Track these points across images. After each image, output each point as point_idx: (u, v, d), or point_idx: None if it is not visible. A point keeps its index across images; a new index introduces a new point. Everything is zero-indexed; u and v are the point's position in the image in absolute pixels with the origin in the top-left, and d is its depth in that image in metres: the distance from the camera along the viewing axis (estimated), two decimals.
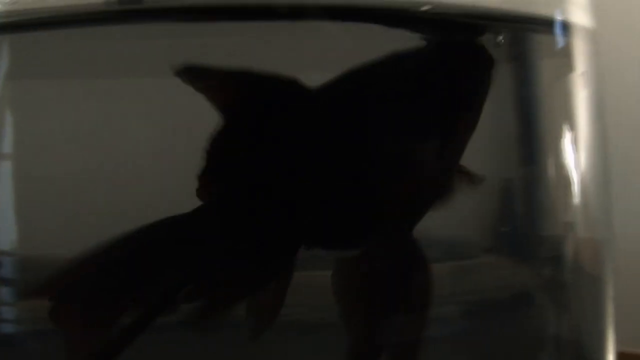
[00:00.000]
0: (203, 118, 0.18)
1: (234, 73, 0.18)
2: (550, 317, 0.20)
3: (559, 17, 0.20)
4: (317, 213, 0.18)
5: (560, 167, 0.20)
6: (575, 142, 0.20)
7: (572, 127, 0.20)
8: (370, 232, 0.18)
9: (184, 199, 0.17)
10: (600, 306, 0.21)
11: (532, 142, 0.20)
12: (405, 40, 0.19)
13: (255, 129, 0.18)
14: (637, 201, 0.89)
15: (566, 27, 0.20)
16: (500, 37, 0.20)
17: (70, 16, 0.18)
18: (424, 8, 0.19)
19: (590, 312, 0.21)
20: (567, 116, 0.20)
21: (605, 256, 0.22)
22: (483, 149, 0.19)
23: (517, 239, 0.19)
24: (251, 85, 0.18)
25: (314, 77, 0.17)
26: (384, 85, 0.18)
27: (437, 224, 0.18)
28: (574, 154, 0.20)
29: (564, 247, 0.20)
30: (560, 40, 0.20)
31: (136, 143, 0.19)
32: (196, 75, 0.17)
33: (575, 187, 0.20)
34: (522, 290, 0.20)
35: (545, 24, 0.20)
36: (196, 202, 0.17)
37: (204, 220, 0.18)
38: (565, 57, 0.20)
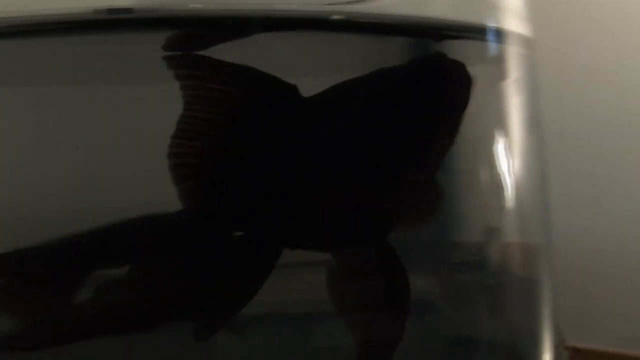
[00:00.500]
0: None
1: (236, 67, 0.18)
2: (479, 320, 0.20)
3: (491, 25, 0.21)
4: (301, 215, 0.18)
5: (489, 173, 0.20)
6: (507, 147, 0.21)
7: (504, 133, 0.21)
8: (350, 237, 0.19)
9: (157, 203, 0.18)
10: (536, 308, 0.22)
11: (460, 147, 0.20)
12: (346, 46, 0.19)
13: (246, 129, 0.18)
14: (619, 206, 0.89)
15: (499, 34, 0.21)
16: (501, 47, 0.21)
17: (58, 24, 0.19)
18: (360, 18, 0.19)
19: (524, 315, 0.22)
20: (498, 122, 0.21)
21: (541, 260, 0.22)
22: None
23: (434, 245, 0.20)
24: (251, 83, 0.18)
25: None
26: (369, 99, 0.19)
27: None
28: (506, 159, 0.20)
29: (487, 252, 0.20)
30: (493, 47, 0.21)
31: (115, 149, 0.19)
32: (201, 64, 0.17)
33: (505, 193, 0.20)
34: (444, 295, 0.20)
35: (478, 32, 0.21)
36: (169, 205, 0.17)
37: (188, 222, 0.18)
38: (498, 64, 0.21)
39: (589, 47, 0.94)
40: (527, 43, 0.22)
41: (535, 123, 0.22)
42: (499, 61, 0.21)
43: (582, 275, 0.97)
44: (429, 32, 0.20)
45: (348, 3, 0.20)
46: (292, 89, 0.18)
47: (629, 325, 0.94)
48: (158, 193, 0.18)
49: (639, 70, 0.90)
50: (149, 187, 0.18)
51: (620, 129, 0.93)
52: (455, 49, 0.21)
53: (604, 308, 0.93)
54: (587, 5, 0.92)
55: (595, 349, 0.97)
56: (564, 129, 0.97)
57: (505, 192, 0.20)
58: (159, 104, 0.19)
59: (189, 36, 0.18)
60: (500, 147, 0.20)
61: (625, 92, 0.93)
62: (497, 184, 0.20)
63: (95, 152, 0.19)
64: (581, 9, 0.93)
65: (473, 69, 0.21)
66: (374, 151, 0.19)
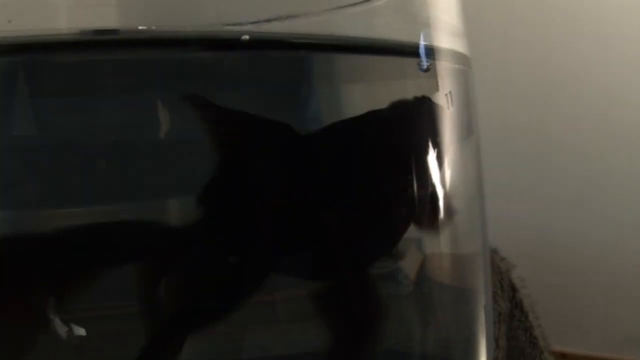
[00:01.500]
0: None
1: (233, 112, 0.19)
2: (408, 333, 0.21)
3: (423, 43, 0.21)
4: (289, 245, 0.20)
5: (420, 184, 0.21)
6: (438, 159, 0.21)
7: (435, 144, 0.21)
8: (336, 267, 0.20)
9: None
10: (470, 318, 0.22)
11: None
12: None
13: (243, 164, 0.19)
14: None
15: (432, 52, 0.22)
16: (427, 64, 0.21)
17: (45, 44, 0.19)
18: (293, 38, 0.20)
19: (458, 325, 0.22)
20: (430, 134, 0.21)
21: (475, 268, 0.23)
22: None
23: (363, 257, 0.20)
24: (247, 125, 0.19)
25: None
26: (359, 138, 0.21)
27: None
28: (437, 170, 0.21)
29: (407, 263, 0.20)
30: (425, 64, 0.21)
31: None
32: (200, 106, 0.19)
33: (435, 204, 0.21)
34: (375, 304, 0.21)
35: (411, 49, 0.21)
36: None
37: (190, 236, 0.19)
38: (431, 79, 0.22)
39: (576, 53, 0.95)
40: (462, 59, 0.23)
41: (469, 133, 0.23)
42: (432, 77, 0.22)
43: (568, 280, 0.97)
44: (361, 50, 0.21)
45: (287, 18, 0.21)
46: (287, 128, 0.19)
47: (615, 330, 0.95)
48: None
49: (625, 77, 0.90)
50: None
51: (606, 133, 0.94)
52: (389, 66, 0.21)
53: (590, 313, 0.94)
54: (573, 12, 0.93)
55: (582, 353, 0.98)
56: (551, 134, 0.98)
57: (435, 203, 0.21)
58: (140, 115, 0.19)
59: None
60: (431, 158, 0.21)
61: (612, 97, 0.93)
62: (427, 196, 0.21)
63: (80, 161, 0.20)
64: (567, 16, 0.94)
65: (406, 84, 0.22)
66: (366, 187, 0.20)
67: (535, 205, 0.92)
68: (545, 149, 0.94)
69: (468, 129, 0.23)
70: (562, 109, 0.92)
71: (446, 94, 0.21)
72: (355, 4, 0.21)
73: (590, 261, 0.90)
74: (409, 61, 0.21)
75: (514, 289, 0.83)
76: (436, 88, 0.21)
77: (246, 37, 0.19)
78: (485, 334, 0.22)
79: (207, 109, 0.19)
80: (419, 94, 0.21)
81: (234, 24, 0.20)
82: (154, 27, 0.20)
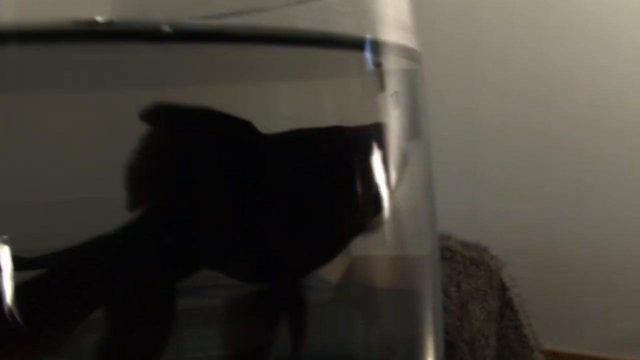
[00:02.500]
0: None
1: (196, 111, 0.19)
2: (349, 337, 0.20)
3: (369, 37, 0.21)
4: (229, 242, 0.19)
5: (363, 185, 0.20)
6: (383, 158, 0.21)
7: (380, 143, 0.21)
8: (274, 271, 0.20)
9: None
10: (416, 320, 0.22)
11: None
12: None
13: (201, 161, 0.19)
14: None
15: (377, 46, 0.21)
16: (379, 59, 0.21)
17: (38, 33, 0.19)
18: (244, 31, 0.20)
19: (402, 328, 0.22)
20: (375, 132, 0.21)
21: (420, 270, 0.22)
22: None
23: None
24: (210, 124, 0.19)
25: None
26: (317, 149, 0.20)
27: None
28: (381, 173, 0.20)
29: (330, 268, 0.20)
30: (371, 59, 0.21)
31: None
32: (160, 117, 0.18)
33: (379, 206, 0.20)
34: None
35: (359, 44, 0.21)
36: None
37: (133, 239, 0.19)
38: (378, 75, 0.21)
39: (574, 53, 0.94)
40: (411, 54, 0.22)
41: (417, 133, 0.22)
42: (379, 72, 0.21)
43: (560, 279, 0.97)
44: (308, 43, 0.21)
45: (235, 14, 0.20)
46: (249, 126, 0.19)
47: (606, 329, 0.94)
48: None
49: (622, 77, 0.89)
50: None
51: (604, 134, 0.93)
52: (336, 60, 0.21)
53: (582, 312, 0.93)
54: (573, 13, 0.92)
55: (573, 352, 0.97)
56: (549, 134, 0.97)
57: (378, 205, 0.20)
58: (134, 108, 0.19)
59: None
60: (375, 157, 0.21)
61: (609, 98, 0.92)
62: (372, 197, 0.20)
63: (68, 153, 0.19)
64: (567, 17, 0.93)
65: (352, 80, 0.21)
66: (318, 195, 0.20)
67: (526, 204, 0.92)
68: (540, 149, 0.93)
69: (416, 129, 0.22)
70: (560, 109, 0.92)
71: (392, 94, 0.21)
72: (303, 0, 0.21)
73: (581, 260, 0.90)
74: (357, 56, 0.21)
75: (504, 288, 0.82)
76: (383, 84, 0.21)
77: (167, 27, 0.18)
78: (432, 335, 0.22)
79: (164, 108, 0.19)
80: (368, 88, 0.21)
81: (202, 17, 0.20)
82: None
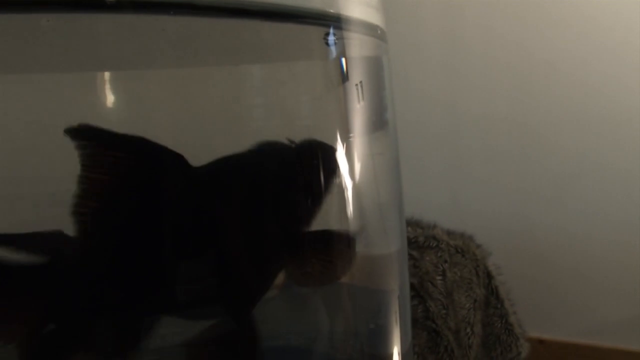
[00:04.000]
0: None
1: (125, 139, 0.18)
2: (309, 334, 0.20)
3: (335, 11, 0.20)
4: (172, 279, 0.18)
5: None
6: (345, 147, 0.20)
7: (342, 131, 0.20)
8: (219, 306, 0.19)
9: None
10: (379, 312, 0.21)
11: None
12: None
13: (135, 192, 0.18)
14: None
15: (344, 21, 0.20)
16: (331, 37, 0.20)
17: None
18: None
19: (358, 317, 0.21)
20: (338, 119, 0.20)
21: (387, 269, 0.21)
22: None
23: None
24: (139, 154, 0.18)
25: None
26: (248, 175, 0.19)
27: None
28: (343, 162, 0.19)
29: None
30: (338, 34, 0.20)
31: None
32: (87, 137, 0.18)
33: (338, 200, 0.19)
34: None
35: (322, 18, 0.20)
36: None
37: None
38: (344, 51, 0.20)
39: (554, 46, 0.93)
40: (375, 31, 0.21)
41: (383, 124, 0.21)
42: (346, 48, 0.20)
43: (546, 270, 0.96)
44: (269, 15, 0.19)
45: None
46: (180, 159, 0.18)
47: (592, 318, 0.94)
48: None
49: (604, 70, 0.89)
50: None
51: (583, 127, 0.92)
52: (300, 34, 0.20)
53: (567, 300, 0.93)
54: (554, 6, 0.91)
55: (559, 339, 0.97)
56: (531, 126, 0.96)
57: (339, 199, 0.19)
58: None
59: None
60: (337, 147, 0.19)
61: (591, 91, 0.92)
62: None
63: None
64: (548, 10, 0.92)
65: (314, 65, 0.20)
66: (253, 226, 0.19)
67: (513, 194, 0.91)
68: (522, 141, 0.93)
69: (382, 121, 0.21)
70: (542, 102, 0.91)
71: (356, 85, 0.20)
72: None
73: (566, 250, 0.89)
74: (316, 33, 0.20)
75: (489, 276, 0.82)
76: (351, 62, 0.20)
77: None
78: (396, 326, 0.21)
79: (97, 132, 0.18)
80: (331, 75, 0.20)
81: None
82: None
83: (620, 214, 0.88)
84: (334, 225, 0.19)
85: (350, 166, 0.19)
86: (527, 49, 0.92)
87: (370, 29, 0.21)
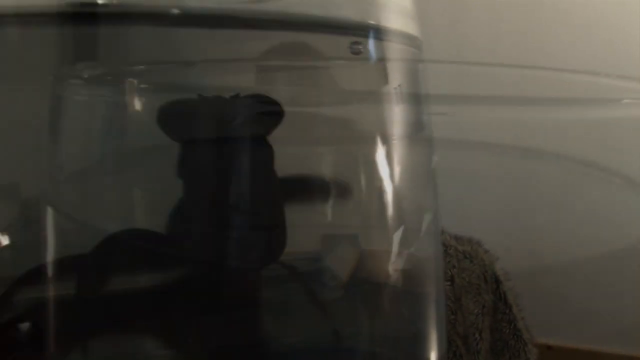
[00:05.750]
0: None
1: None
2: (352, 332, 0.20)
3: (375, 23, 0.20)
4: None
5: (361, 180, 0.20)
6: (383, 153, 0.20)
7: (380, 136, 0.20)
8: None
9: None
10: (419, 317, 0.21)
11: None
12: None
13: None
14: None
15: (382, 32, 0.20)
16: (359, 46, 0.20)
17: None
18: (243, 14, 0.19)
19: (401, 322, 0.21)
20: (376, 125, 0.20)
21: (427, 270, 0.22)
22: None
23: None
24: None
25: None
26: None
27: None
28: (382, 167, 0.20)
29: (339, 260, 0.20)
30: (377, 45, 0.20)
31: None
32: None
33: (375, 201, 0.20)
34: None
35: (361, 29, 0.20)
36: None
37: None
38: (381, 62, 0.20)
39: (560, 44, 0.94)
40: (413, 42, 0.22)
41: (420, 126, 0.21)
42: (383, 58, 0.20)
43: (554, 275, 0.96)
44: (310, 28, 0.20)
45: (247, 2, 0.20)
46: None
47: (599, 324, 0.94)
48: None
49: (609, 68, 0.89)
50: None
51: (594, 132, 0.92)
52: (339, 45, 0.20)
53: (575, 306, 0.93)
54: (563, 13, 0.92)
55: (567, 345, 0.97)
56: (538, 129, 0.97)
57: (374, 200, 0.20)
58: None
59: None
60: (377, 153, 0.20)
61: (596, 89, 0.92)
62: (368, 192, 0.20)
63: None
64: (554, 13, 0.93)
65: (355, 72, 0.21)
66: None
67: (521, 198, 0.92)
68: (532, 144, 0.93)
69: (420, 123, 0.21)
70: (549, 106, 0.91)
71: (396, 87, 0.20)
72: None
73: (575, 255, 0.90)
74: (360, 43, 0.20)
75: (497, 281, 0.82)
76: (384, 73, 0.20)
77: (175, 10, 0.18)
78: (435, 331, 0.21)
79: None
80: (372, 80, 0.20)
81: None
82: None
83: (629, 219, 0.89)
84: (373, 222, 0.20)
85: (390, 168, 0.19)
86: (533, 47, 0.93)
87: (407, 38, 0.21)
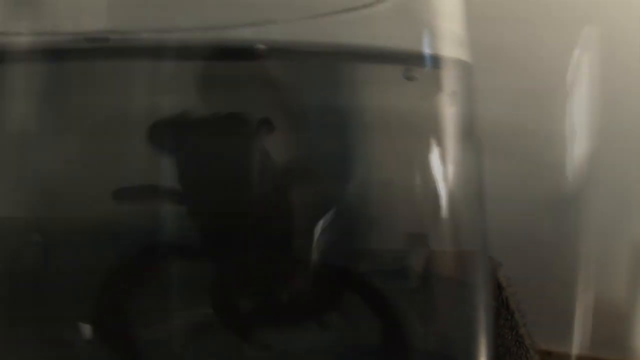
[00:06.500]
0: None
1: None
2: (411, 328, 0.22)
3: (431, 52, 0.22)
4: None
5: (422, 182, 0.22)
6: (441, 159, 0.22)
7: (438, 145, 0.22)
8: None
9: None
10: (470, 315, 0.23)
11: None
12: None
13: None
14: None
15: (439, 60, 0.22)
16: (412, 73, 0.22)
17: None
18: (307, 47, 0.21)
19: (458, 322, 0.23)
20: (433, 134, 0.22)
21: (475, 266, 0.23)
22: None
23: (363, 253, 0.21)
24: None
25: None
26: None
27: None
28: (439, 170, 0.22)
29: (413, 260, 0.21)
30: (433, 72, 0.22)
31: None
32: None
33: (438, 201, 0.22)
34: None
35: (418, 58, 0.22)
36: None
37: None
38: (435, 82, 0.22)
39: (566, 49, 0.95)
40: (464, 67, 0.24)
41: (472, 131, 0.23)
42: (437, 83, 0.22)
43: (554, 282, 0.98)
44: (373, 58, 0.22)
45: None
46: None
47: (599, 329, 0.96)
48: None
49: (623, 78, 0.91)
50: None
51: (600, 136, 0.94)
52: (397, 73, 0.22)
53: (575, 312, 0.94)
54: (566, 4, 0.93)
55: (567, 352, 0.98)
56: (540, 134, 0.99)
57: (437, 201, 0.22)
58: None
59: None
60: (434, 159, 0.22)
61: (610, 103, 0.94)
62: (429, 193, 0.21)
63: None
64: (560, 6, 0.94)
65: (413, 89, 0.23)
66: None
67: (522, 204, 0.93)
68: (535, 150, 0.94)
69: (471, 127, 0.23)
70: (553, 112, 0.93)
71: (450, 93, 0.22)
72: (353, 9, 0.21)
73: (575, 261, 0.91)
74: (415, 69, 0.22)
75: (500, 287, 0.84)
76: (440, 93, 0.22)
77: (261, 46, 0.19)
78: (486, 333, 0.23)
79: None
80: (426, 88, 0.22)
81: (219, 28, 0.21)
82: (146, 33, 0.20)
83: (633, 224, 0.90)
84: (431, 223, 0.22)
85: (445, 170, 0.21)
86: (539, 56, 0.94)
87: (460, 65, 0.23)
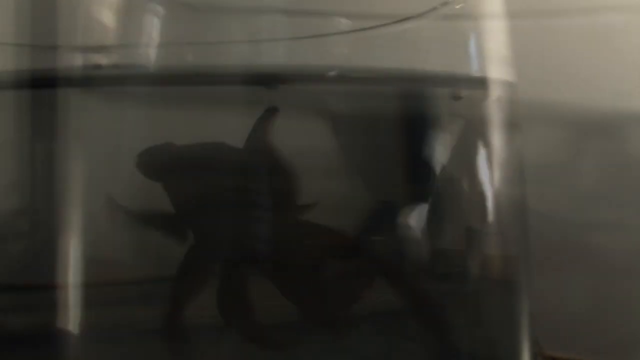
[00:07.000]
0: None
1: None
2: (459, 332, 0.23)
3: (478, 75, 0.23)
4: None
5: (472, 186, 0.23)
6: (489, 161, 0.23)
7: (486, 147, 0.23)
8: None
9: None
10: (515, 320, 0.24)
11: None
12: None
13: None
14: None
15: (486, 82, 0.24)
16: (459, 94, 0.24)
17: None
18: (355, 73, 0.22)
19: (504, 326, 0.24)
20: (482, 138, 0.23)
21: (520, 271, 0.24)
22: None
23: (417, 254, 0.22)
24: None
25: None
26: None
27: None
28: (487, 173, 0.23)
29: (468, 262, 0.22)
30: (479, 93, 0.24)
31: None
32: None
33: (487, 206, 0.23)
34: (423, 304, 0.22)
35: (466, 81, 0.24)
36: None
37: None
38: (484, 105, 0.24)
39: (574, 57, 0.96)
40: (510, 87, 0.25)
41: (515, 143, 0.25)
42: (485, 103, 0.24)
43: (560, 285, 0.99)
44: (420, 83, 0.23)
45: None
46: None
47: (604, 334, 0.96)
48: None
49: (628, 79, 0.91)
50: None
51: (616, 137, 0.95)
52: (445, 94, 0.24)
53: (580, 317, 0.95)
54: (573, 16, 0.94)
55: (571, 358, 0.99)
56: (544, 137, 1.00)
57: (487, 205, 0.23)
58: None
59: None
60: (484, 167, 0.23)
61: (614, 101, 0.94)
62: (479, 197, 0.23)
63: None
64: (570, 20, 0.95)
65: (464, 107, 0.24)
66: None
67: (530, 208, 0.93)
68: (536, 149, 0.94)
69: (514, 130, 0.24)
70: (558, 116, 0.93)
71: (496, 98, 0.23)
72: (388, 24, 0.23)
73: (579, 265, 0.92)
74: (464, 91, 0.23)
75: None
76: (488, 110, 0.24)
77: (334, 72, 0.20)
78: (529, 338, 0.24)
79: None
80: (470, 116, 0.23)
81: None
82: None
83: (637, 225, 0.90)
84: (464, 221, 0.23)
85: (491, 170, 0.23)
86: (549, 61, 0.94)
87: (504, 85, 0.25)
